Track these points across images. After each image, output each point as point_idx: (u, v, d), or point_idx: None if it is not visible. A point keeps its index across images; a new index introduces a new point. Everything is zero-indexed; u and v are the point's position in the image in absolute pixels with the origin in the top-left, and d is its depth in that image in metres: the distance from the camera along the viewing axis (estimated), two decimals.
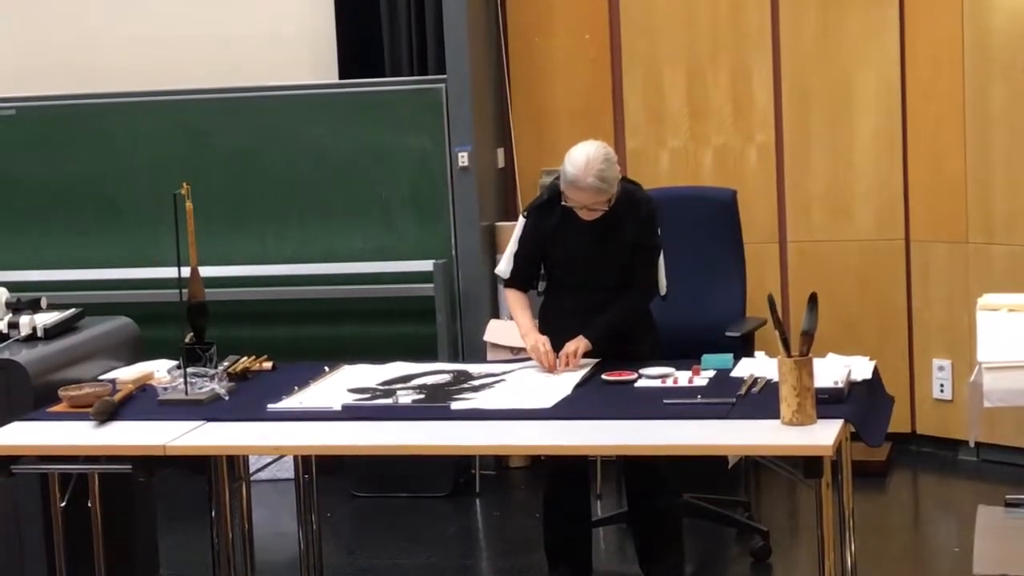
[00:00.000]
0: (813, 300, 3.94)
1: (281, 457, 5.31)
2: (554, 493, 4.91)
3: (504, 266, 4.90)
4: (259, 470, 5.08)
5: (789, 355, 3.83)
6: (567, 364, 4.54)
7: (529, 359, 4.67)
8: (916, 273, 6.34)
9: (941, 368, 6.29)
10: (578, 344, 4.58)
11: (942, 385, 6.29)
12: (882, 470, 6.11)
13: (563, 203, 4.63)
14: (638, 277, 4.76)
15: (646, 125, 6.50)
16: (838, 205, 6.40)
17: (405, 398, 4.31)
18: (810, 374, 3.82)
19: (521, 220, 4.86)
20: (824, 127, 6.39)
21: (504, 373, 4.57)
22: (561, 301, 4.80)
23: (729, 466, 5.75)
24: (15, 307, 4.82)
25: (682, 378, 4.35)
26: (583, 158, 4.55)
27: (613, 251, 4.72)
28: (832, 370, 4.11)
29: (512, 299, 4.85)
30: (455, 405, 4.22)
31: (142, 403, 4.40)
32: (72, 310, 4.92)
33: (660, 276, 4.81)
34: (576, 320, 4.68)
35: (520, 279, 4.86)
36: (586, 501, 4.95)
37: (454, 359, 6.19)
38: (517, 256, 4.84)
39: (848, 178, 6.38)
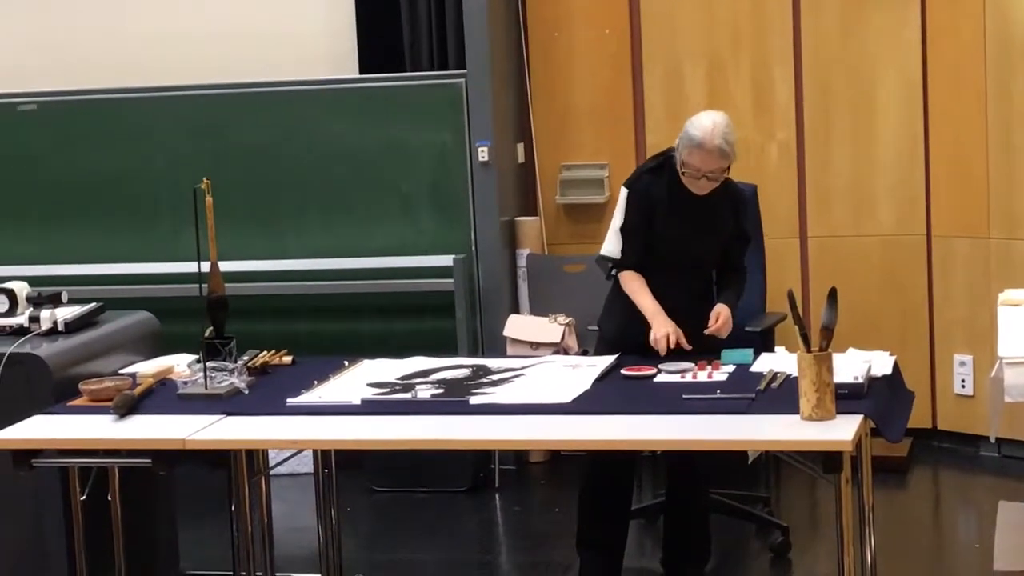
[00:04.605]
0: (833, 295, 3.93)
1: (300, 451, 5.32)
2: (596, 487, 4.82)
3: (612, 246, 4.74)
4: (278, 464, 5.09)
5: (809, 350, 3.82)
6: (720, 327, 4.55)
7: (548, 354, 4.66)
8: (937, 268, 6.32)
9: (962, 363, 6.27)
10: (727, 311, 4.58)
11: (963, 380, 6.27)
12: (903, 466, 6.10)
13: (682, 171, 4.57)
14: (736, 262, 4.78)
15: (666, 120, 6.48)
16: (859, 200, 6.38)
17: (424, 393, 4.31)
18: (829, 369, 3.81)
19: (623, 192, 4.74)
20: (845, 122, 6.37)
21: (523, 368, 4.56)
22: (650, 284, 4.68)
23: (749, 461, 5.73)
24: (36, 301, 4.83)
25: (701, 373, 4.34)
26: (709, 121, 4.54)
27: (713, 234, 4.70)
28: (852, 365, 4.10)
29: (631, 281, 4.68)
30: (474, 400, 4.21)
31: (162, 397, 4.41)
32: (92, 304, 4.93)
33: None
34: (662, 302, 4.62)
35: (633, 255, 4.69)
36: (628, 498, 4.88)
37: (473, 354, 6.18)
38: (625, 230, 4.71)
39: (869, 173, 6.36)
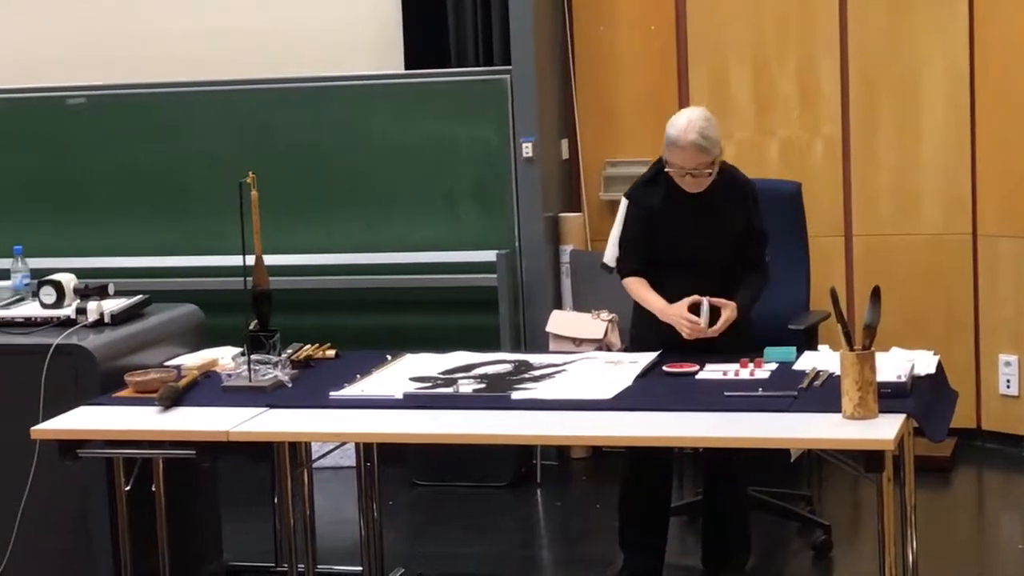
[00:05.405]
0: (876, 294, 3.92)
1: (343, 444, 5.34)
2: (634, 490, 4.85)
3: (610, 253, 4.84)
4: (321, 457, 5.11)
5: (851, 349, 3.81)
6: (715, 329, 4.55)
7: (590, 351, 4.67)
8: (983, 268, 6.28)
9: (1007, 363, 6.23)
10: (733, 313, 4.56)
11: (1008, 381, 6.23)
12: (946, 466, 6.06)
13: (666, 169, 4.63)
14: (754, 259, 4.76)
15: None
16: (905, 199, 6.35)
17: (466, 387, 4.32)
18: (872, 368, 3.80)
19: (623, 203, 4.82)
20: (891, 120, 6.34)
21: (565, 364, 4.57)
22: (662, 286, 4.73)
23: (792, 460, 5.72)
24: (83, 293, 4.87)
25: (744, 371, 4.34)
26: (684, 119, 4.59)
27: (718, 232, 4.71)
28: (895, 364, 4.08)
29: (633, 285, 4.75)
30: (515, 395, 4.22)
31: (206, 389, 4.44)
32: (139, 297, 4.97)
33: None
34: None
35: (631, 261, 4.77)
36: (666, 500, 4.89)
37: (516, 349, 6.19)
38: (623, 239, 4.79)
39: (915, 171, 6.33)
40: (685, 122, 4.57)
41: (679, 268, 4.71)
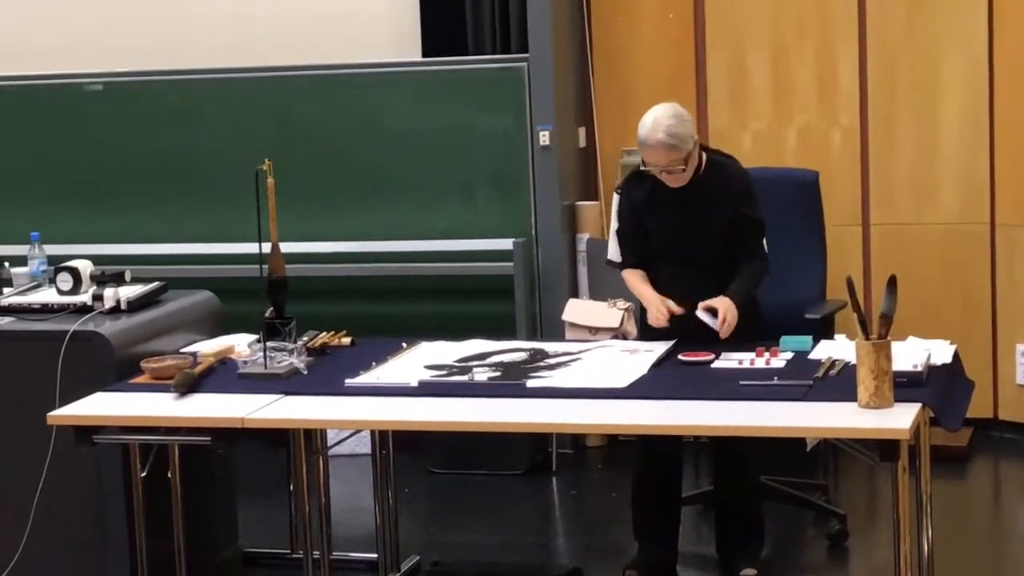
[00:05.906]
0: (892, 283, 3.92)
1: (358, 431, 5.35)
2: (644, 481, 4.87)
3: (612, 249, 4.89)
4: (336, 444, 5.12)
5: (868, 338, 3.81)
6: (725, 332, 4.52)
7: (606, 339, 4.67)
8: (1001, 257, 6.26)
9: None
10: (731, 308, 4.53)
11: None
12: (963, 455, 6.05)
13: (642, 168, 4.64)
14: (750, 249, 4.73)
15: (729, 106, 6.46)
16: (923, 188, 6.33)
17: (481, 375, 4.33)
18: (888, 357, 3.80)
19: (616, 198, 4.86)
20: (910, 109, 6.31)
21: (581, 352, 4.57)
22: (658, 278, 4.75)
23: (808, 449, 5.71)
24: (99, 280, 4.88)
25: (759, 360, 4.33)
26: (651, 118, 4.59)
27: (708, 225, 4.70)
28: (911, 354, 4.08)
29: (629, 276, 4.80)
30: (531, 383, 4.23)
31: (222, 376, 4.45)
32: (155, 283, 4.98)
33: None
34: (674, 295, 4.64)
35: (631, 255, 4.81)
36: (675, 490, 4.91)
37: (532, 338, 6.19)
38: (619, 233, 4.83)
39: (933, 161, 6.31)
40: (651, 121, 4.57)
41: (672, 261, 4.74)
